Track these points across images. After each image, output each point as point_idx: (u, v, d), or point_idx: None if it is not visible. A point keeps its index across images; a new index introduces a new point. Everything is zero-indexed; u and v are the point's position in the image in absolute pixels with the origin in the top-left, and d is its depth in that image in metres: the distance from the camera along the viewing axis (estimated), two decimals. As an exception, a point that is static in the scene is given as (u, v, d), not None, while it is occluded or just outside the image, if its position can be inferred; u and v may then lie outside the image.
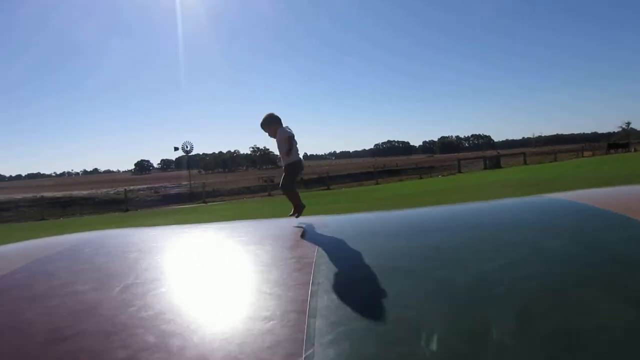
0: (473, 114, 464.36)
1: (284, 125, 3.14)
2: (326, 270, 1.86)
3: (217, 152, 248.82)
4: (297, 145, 3.13)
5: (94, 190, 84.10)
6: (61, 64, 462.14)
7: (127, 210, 26.73)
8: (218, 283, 1.92)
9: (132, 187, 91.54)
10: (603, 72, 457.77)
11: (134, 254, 2.34)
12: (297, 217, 2.99)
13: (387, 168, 60.34)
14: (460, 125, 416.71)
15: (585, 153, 47.46)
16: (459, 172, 37.99)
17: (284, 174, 3.10)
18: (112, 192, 79.07)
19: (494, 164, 39.77)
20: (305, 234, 2.55)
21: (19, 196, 73.29)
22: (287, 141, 3.03)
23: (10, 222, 31.24)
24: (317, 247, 2.16)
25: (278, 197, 28.22)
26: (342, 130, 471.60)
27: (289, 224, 2.95)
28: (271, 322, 1.44)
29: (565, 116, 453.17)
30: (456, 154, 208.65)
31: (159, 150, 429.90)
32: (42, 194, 76.97)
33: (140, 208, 30.40)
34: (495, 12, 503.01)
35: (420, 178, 34.76)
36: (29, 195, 74.88)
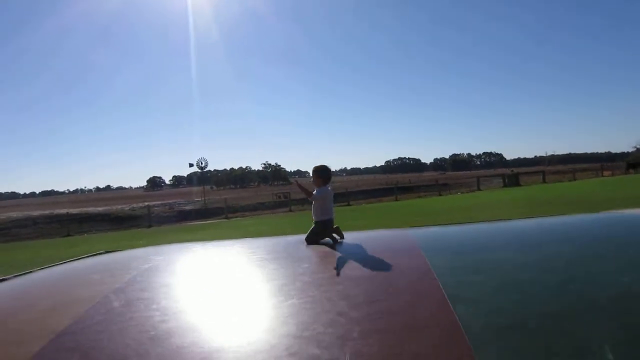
0: (485, 132, 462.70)
1: (329, 186, 3.47)
2: (455, 280, 1.93)
3: (228, 168, 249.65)
4: (332, 204, 3.41)
5: (108, 207, 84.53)
6: (73, 82, 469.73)
7: (150, 226, 26.76)
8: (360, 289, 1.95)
9: (146, 203, 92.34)
10: (616, 92, 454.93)
11: (247, 260, 2.68)
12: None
13: (400, 185, 60.05)
14: (471, 143, 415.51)
15: (605, 172, 46.96)
16: (478, 189, 37.73)
17: (312, 228, 3.32)
18: (127, 208, 79.54)
19: (514, 182, 39.43)
20: (412, 245, 2.68)
21: (36, 213, 74.05)
22: (312, 198, 3.39)
23: (28, 239, 31.46)
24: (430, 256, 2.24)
25: (298, 212, 28.25)
26: (353, 146, 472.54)
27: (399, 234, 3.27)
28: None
29: (577, 135, 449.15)
30: (468, 171, 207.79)
31: (171, 166, 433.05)
32: (57, 211, 77.71)
33: (161, 224, 30.45)
34: (506, 31, 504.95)
35: (440, 195, 34.50)
36: (46, 212, 75.66)
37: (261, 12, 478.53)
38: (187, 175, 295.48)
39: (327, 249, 2.97)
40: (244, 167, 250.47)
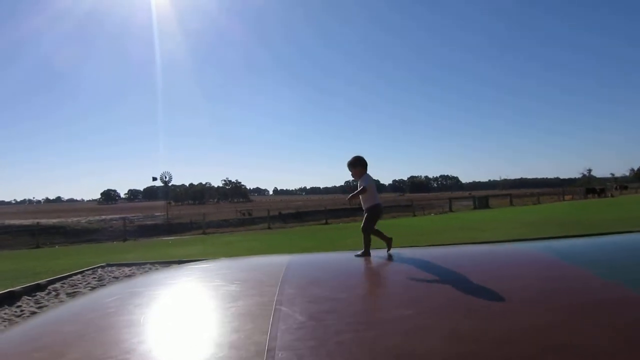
0: (442, 155, 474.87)
1: (367, 172, 3.58)
2: None
3: (187, 184, 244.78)
4: (375, 190, 3.54)
5: (63, 219, 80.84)
6: (29, 91, 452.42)
7: (125, 240, 25.61)
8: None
9: (102, 217, 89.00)
10: (566, 119, 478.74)
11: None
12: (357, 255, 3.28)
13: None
14: (429, 165, 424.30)
15: (567, 197, 48.83)
16: (451, 210, 38.28)
17: (366, 215, 3.45)
18: (83, 221, 76.38)
19: (483, 204, 40.35)
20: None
21: (-18, 223, 69.98)
22: (363, 190, 3.45)
23: None
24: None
25: (277, 230, 27.75)
26: (313, 166, 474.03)
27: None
28: None
29: (528, 161, 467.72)
30: (427, 193, 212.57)
31: (126, 180, 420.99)
32: (7, 221, 73.74)
33: (136, 238, 29.18)
34: (463, 56, 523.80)
35: (414, 215, 34.78)
36: (-4, 222, 71.66)
37: (225, 27, 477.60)
38: (144, 189, 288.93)
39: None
40: (204, 182, 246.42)
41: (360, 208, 3.60)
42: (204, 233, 28.53)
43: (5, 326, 5.91)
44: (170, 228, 51.49)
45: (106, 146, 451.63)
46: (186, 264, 4.93)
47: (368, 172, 3.60)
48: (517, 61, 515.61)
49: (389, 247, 3.39)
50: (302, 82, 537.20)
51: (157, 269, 9.73)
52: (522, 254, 3.28)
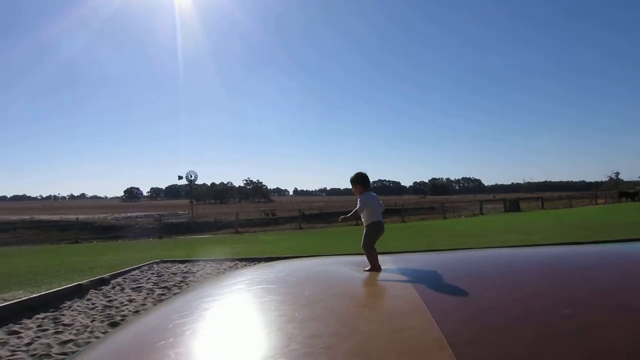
0: (464, 158, 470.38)
1: (369, 189, 3.57)
2: None
3: (209, 183, 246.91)
4: (378, 207, 3.47)
5: (89, 216, 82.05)
6: (56, 89, 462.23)
7: (161, 237, 25.81)
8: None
9: (129, 214, 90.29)
10: (591, 123, 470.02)
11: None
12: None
13: (387, 207, 59.72)
14: (450, 168, 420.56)
15: (599, 200, 47.75)
16: (481, 213, 37.71)
17: (364, 232, 3.36)
18: (109, 217, 77.52)
19: (514, 207, 39.65)
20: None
21: (14, 217, 71.54)
22: (355, 213, 3.46)
23: (8, 244, 30.03)
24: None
25: (309, 231, 27.62)
26: (332, 167, 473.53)
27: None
28: None
29: (552, 164, 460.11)
30: (448, 196, 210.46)
31: (148, 178, 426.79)
32: (37, 217, 75.23)
33: (170, 235, 29.39)
34: (489, 59, 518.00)
35: (445, 218, 34.36)
36: (25, 217, 73.21)
37: (249, 27, 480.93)
38: (166, 187, 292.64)
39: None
40: (225, 182, 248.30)
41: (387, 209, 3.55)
42: (237, 232, 28.57)
43: (86, 317, 5.86)
44: (195, 226, 51.90)
45: (129, 145, 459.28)
46: (275, 261, 4.88)
47: (371, 192, 3.57)
48: (539, 62, 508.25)
49: (369, 269, 3.12)
50: (324, 83, 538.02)
51: (211, 266, 9.66)
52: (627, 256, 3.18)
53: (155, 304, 6.37)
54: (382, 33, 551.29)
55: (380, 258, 3.25)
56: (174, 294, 6.80)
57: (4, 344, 5.01)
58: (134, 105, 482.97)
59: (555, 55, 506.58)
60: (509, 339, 1.50)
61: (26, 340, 5.12)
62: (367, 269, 3.15)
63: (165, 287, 7.46)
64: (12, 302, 6.39)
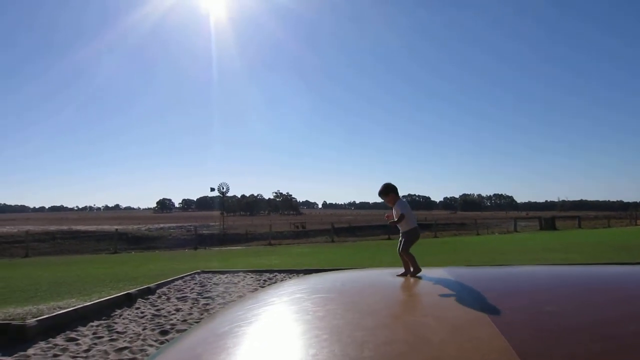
0: (495, 174, 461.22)
1: (400, 196, 3.61)
2: None
3: (239, 195, 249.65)
4: (412, 214, 3.55)
5: (124, 226, 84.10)
6: (89, 100, 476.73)
7: (196, 248, 26.32)
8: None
9: (162, 225, 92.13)
10: (627, 141, 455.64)
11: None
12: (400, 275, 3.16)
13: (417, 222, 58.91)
14: (482, 184, 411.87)
15: (639, 221, 46.29)
16: (515, 230, 37.03)
17: (403, 240, 3.45)
18: (143, 228, 79.21)
19: (550, 225, 38.80)
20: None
21: (52, 228, 73.88)
22: (402, 217, 3.49)
23: (48, 254, 31.05)
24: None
25: (342, 244, 27.72)
26: (361, 180, 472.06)
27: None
28: None
29: (587, 182, 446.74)
30: (479, 212, 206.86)
31: (180, 189, 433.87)
32: (74, 227, 77.45)
33: (205, 247, 29.92)
34: (519, 74, 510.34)
35: (478, 234, 33.87)
36: (63, 227, 75.44)
37: (280, 41, 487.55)
38: (197, 199, 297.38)
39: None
40: (255, 194, 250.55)
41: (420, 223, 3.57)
42: (269, 244, 28.83)
43: (137, 325, 6.11)
44: (226, 238, 52.48)
45: (163, 156, 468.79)
46: (319, 273, 4.94)
47: (403, 199, 3.65)
48: (570, 80, 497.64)
49: (405, 274, 3.17)
50: (355, 97, 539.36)
51: (251, 277, 9.87)
52: None
53: (201, 314, 6.58)
54: (418, 52, 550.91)
55: (434, 270, 3.31)
56: (229, 302, 6.99)
57: (64, 350, 5.28)
58: (166, 117, 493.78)
59: (593, 73, 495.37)
60: (579, 351, 1.51)
61: (84, 347, 5.38)
62: (401, 273, 3.17)
63: (209, 297, 7.68)
64: (68, 309, 6.71)
